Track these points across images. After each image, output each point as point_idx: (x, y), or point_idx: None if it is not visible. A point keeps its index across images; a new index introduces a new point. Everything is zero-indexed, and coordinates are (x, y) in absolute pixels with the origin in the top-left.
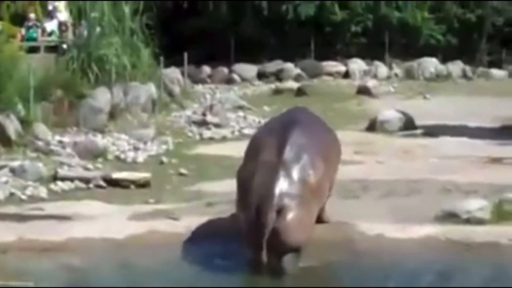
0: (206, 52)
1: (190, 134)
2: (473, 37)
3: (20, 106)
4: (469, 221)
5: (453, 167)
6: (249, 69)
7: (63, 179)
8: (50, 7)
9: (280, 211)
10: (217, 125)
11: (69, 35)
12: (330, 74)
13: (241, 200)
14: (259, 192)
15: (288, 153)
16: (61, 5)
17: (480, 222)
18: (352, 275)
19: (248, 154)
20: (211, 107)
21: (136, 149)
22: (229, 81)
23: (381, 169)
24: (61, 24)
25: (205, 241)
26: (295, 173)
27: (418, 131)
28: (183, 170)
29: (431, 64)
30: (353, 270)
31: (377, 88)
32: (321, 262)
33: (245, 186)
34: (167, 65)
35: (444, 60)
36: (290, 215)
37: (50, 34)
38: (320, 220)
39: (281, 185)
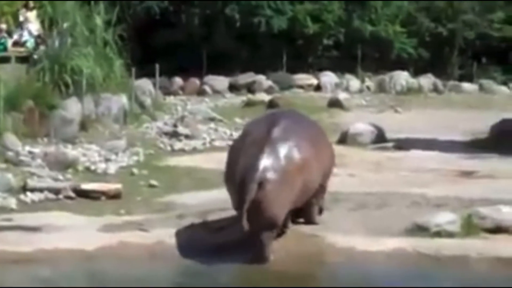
0: (178, 64)
1: (161, 145)
2: (445, 51)
3: None
4: (439, 234)
5: (423, 180)
6: (221, 81)
7: (33, 190)
8: (21, 18)
9: (261, 184)
10: (188, 137)
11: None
12: (301, 86)
13: (228, 173)
14: (244, 165)
15: (275, 132)
16: (32, 16)
17: (449, 235)
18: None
19: (240, 136)
20: (182, 119)
21: (107, 160)
22: (201, 93)
23: (352, 182)
24: (38, 37)
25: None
26: (280, 150)
27: (390, 144)
28: (154, 182)
29: (402, 77)
30: (323, 282)
31: (349, 101)
32: (291, 274)
33: (232, 160)
34: (139, 77)
35: (415, 73)
36: (270, 189)
37: (23, 44)
38: (308, 220)
39: (265, 160)
